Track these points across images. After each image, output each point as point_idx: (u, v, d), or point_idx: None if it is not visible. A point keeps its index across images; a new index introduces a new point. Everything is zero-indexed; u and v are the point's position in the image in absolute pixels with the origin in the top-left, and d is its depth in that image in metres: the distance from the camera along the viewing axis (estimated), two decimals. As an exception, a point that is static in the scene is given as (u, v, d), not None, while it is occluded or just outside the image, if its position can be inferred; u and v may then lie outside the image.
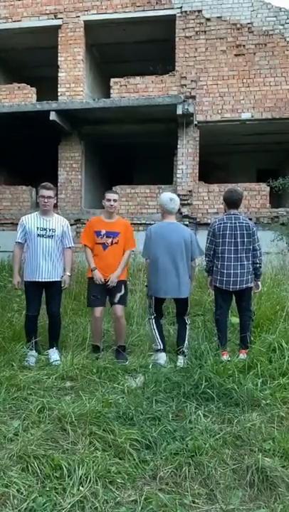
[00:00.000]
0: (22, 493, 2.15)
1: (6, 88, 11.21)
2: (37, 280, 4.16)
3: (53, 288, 4.27)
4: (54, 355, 4.17)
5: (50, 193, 4.19)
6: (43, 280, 4.18)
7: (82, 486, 2.19)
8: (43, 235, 4.18)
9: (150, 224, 9.16)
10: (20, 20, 11.22)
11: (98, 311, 4.28)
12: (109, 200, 4.31)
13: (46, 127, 10.39)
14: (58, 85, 11.14)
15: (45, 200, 4.20)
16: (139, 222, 10.14)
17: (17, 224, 4.35)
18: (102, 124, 10.83)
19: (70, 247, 4.36)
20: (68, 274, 4.31)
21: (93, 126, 10.94)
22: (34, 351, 4.14)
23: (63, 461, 2.36)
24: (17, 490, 2.17)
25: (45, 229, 4.20)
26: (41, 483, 2.24)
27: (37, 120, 10.23)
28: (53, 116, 10.05)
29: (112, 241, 4.28)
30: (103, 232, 4.29)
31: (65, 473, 2.29)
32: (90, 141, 11.53)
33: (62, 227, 4.30)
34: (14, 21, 11.23)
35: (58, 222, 4.30)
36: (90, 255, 4.32)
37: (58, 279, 4.26)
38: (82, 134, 11.17)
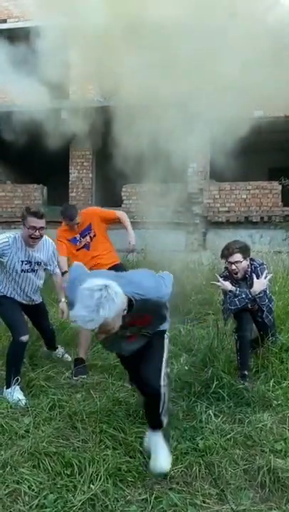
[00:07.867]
0: (33, 490, 2.17)
1: (18, 87, 11.26)
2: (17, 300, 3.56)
3: (36, 307, 3.74)
4: (60, 350, 4.16)
5: (43, 223, 3.37)
6: (25, 303, 3.62)
7: (93, 484, 2.20)
8: (27, 270, 3.47)
9: (159, 222, 9.15)
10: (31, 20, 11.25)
11: None
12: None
13: (57, 126, 10.41)
14: (70, 84, 11.16)
15: (36, 233, 3.34)
16: (148, 220, 10.09)
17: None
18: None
19: (56, 273, 3.75)
20: (64, 300, 3.59)
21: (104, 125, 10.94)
22: (19, 389, 3.26)
23: (74, 459, 2.37)
24: (28, 487, 2.19)
25: (29, 262, 3.48)
26: (52, 480, 2.25)
27: (48, 119, 10.27)
28: (64, 114, 10.09)
29: (90, 236, 4.12)
30: (77, 236, 4.12)
31: (75, 471, 2.30)
32: (101, 139, 11.52)
33: (47, 252, 3.59)
34: (26, 20, 11.29)
35: (44, 248, 3.57)
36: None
37: (41, 301, 3.79)
38: (93, 132, 11.16)
